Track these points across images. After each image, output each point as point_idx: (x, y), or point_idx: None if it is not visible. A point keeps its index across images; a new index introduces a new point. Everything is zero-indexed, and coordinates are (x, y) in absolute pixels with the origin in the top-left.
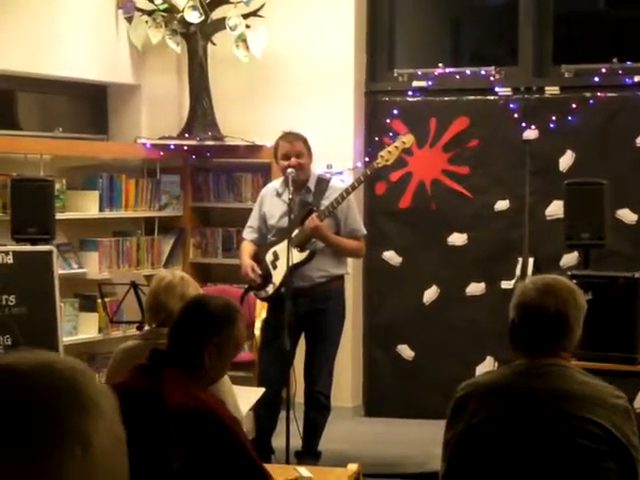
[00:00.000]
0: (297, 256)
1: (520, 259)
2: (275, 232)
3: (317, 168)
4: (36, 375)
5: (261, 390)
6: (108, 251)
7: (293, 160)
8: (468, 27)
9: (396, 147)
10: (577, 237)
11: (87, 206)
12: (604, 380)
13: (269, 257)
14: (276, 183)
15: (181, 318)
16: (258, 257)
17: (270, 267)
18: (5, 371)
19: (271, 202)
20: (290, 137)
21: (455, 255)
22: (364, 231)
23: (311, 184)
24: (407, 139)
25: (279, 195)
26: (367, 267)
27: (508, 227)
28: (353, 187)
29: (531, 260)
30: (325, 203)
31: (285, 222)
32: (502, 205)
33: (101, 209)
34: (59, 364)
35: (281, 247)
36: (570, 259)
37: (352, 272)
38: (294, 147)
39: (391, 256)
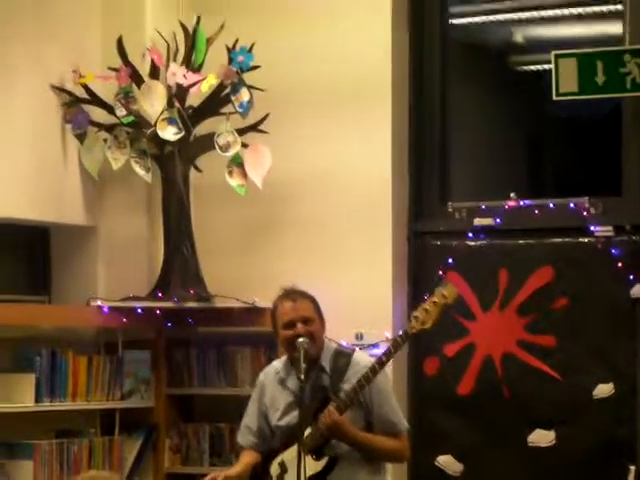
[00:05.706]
0: (312, 466)
1: (632, 468)
2: (280, 434)
3: (343, 339)
4: None
5: None
6: (47, 458)
7: (300, 327)
8: (552, 146)
9: (434, 303)
10: None
11: (18, 395)
12: None
13: (275, 470)
14: (278, 364)
15: None
16: (260, 473)
17: None
18: None
19: (273, 392)
20: (293, 296)
21: (538, 461)
22: (405, 424)
23: (325, 361)
24: (448, 291)
25: (283, 382)
26: (414, 477)
27: (613, 421)
28: (380, 363)
29: None
30: (346, 387)
31: (293, 419)
32: (604, 390)
33: (38, 399)
34: None
35: (290, 455)
36: None
37: None
38: (299, 310)
39: (448, 462)
